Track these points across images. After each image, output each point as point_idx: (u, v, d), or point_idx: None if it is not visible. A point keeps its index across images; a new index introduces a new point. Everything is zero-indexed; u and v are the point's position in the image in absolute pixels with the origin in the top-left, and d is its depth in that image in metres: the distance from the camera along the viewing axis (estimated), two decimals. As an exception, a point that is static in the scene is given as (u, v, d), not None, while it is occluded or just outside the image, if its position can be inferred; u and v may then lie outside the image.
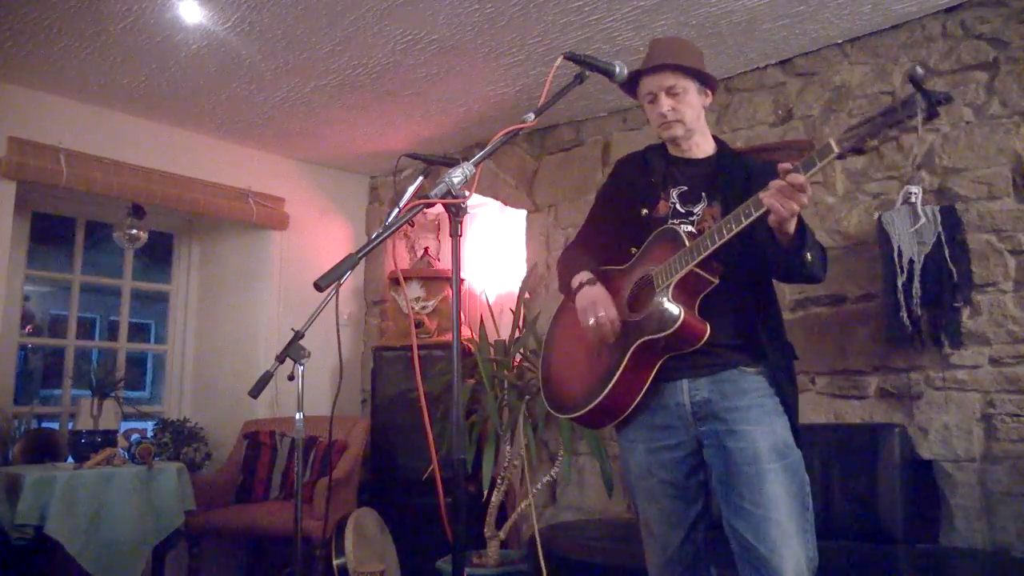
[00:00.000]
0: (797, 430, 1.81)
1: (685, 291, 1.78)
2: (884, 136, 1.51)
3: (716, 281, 1.78)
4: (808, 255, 1.69)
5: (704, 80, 1.95)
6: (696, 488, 1.87)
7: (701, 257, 1.73)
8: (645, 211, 1.95)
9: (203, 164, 4.44)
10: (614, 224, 2.04)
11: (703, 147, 2.00)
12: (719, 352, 1.80)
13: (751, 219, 1.65)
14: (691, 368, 1.81)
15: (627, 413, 1.86)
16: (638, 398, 1.83)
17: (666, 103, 1.91)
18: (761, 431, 1.74)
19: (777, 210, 1.59)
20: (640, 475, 1.90)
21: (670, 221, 1.90)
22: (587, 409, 1.86)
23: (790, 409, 1.81)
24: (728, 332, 1.80)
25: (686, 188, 1.94)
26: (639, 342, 1.79)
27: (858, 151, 1.55)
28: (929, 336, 2.91)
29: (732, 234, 1.68)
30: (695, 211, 1.91)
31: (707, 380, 1.81)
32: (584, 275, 1.97)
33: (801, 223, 1.68)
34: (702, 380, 1.81)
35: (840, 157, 1.57)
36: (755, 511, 1.69)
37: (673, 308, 1.75)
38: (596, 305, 1.87)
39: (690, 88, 1.92)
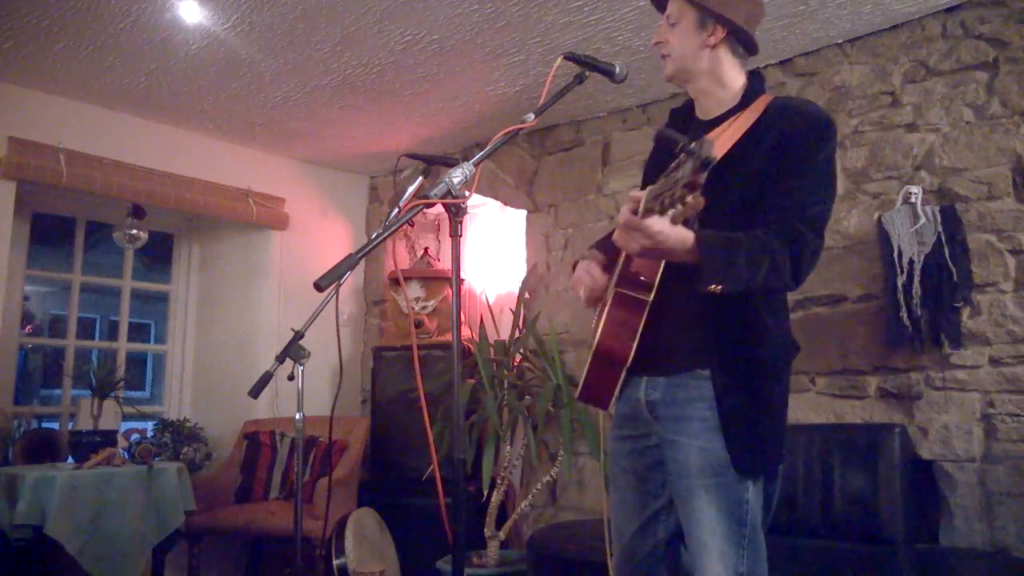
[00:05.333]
0: (750, 444, 1.60)
1: (624, 306, 1.67)
2: (667, 203, 1.27)
3: (648, 299, 1.64)
4: (714, 288, 1.45)
5: (707, 12, 1.67)
6: (658, 485, 1.77)
7: (622, 282, 1.65)
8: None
9: (203, 164, 4.44)
10: None
11: (724, 101, 1.72)
12: (677, 354, 1.69)
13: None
14: (650, 367, 1.73)
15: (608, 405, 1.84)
16: (614, 395, 1.79)
17: (658, 32, 1.74)
18: (696, 447, 1.63)
19: (627, 250, 1.45)
20: (609, 462, 1.87)
21: None
22: (578, 393, 1.88)
23: (745, 421, 1.60)
24: (688, 336, 1.67)
25: None
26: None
27: (666, 212, 1.30)
28: (929, 336, 2.91)
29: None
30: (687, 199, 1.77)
31: (664, 380, 1.71)
32: (589, 252, 1.92)
33: (703, 256, 1.43)
34: (659, 379, 1.72)
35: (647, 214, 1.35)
36: (686, 523, 1.66)
37: (596, 330, 1.70)
38: (574, 283, 1.86)
39: (687, 17, 1.69)
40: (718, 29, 1.68)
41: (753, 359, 1.63)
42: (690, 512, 1.64)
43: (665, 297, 1.64)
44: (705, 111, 1.77)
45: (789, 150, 1.59)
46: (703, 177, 1.21)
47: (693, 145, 1.20)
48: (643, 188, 1.89)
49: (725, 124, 1.68)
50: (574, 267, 1.91)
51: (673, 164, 1.26)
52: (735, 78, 1.73)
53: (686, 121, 1.82)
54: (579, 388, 1.82)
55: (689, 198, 1.24)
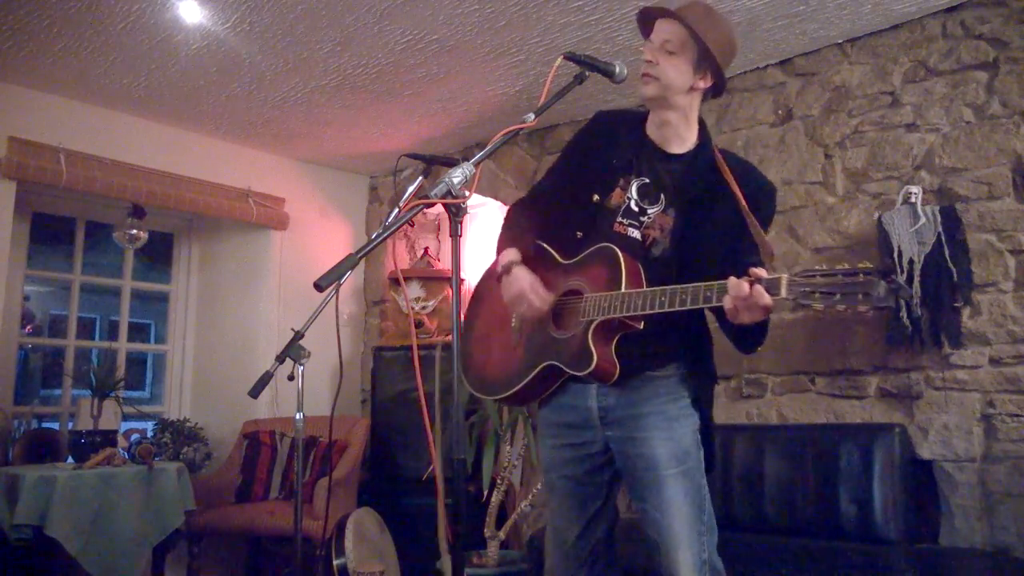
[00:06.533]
0: (709, 427, 1.81)
1: (608, 329, 1.73)
2: (830, 303, 1.39)
3: (640, 327, 1.72)
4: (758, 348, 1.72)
5: (706, 56, 1.74)
6: (597, 486, 1.87)
7: (634, 315, 1.66)
8: (597, 196, 1.83)
9: (203, 164, 4.44)
10: (568, 194, 1.90)
11: (686, 140, 1.83)
12: (630, 359, 1.75)
13: (708, 305, 1.55)
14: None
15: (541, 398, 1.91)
16: (547, 392, 1.88)
17: (652, 54, 1.77)
18: (660, 438, 1.74)
19: (736, 319, 1.51)
20: (545, 468, 1.93)
21: (618, 220, 1.81)
22: (503, 396, 1.91)
23: (703, 406, 1.80)
24: (642, 342, 1.75)
25: (648, 181, 1.82)
26: (548, 363, 1.78)
27: (802, 304, 1.43)
28: (929, 336, 2.90)
29: (681, 309, 1.59)
30: (649, 212, 1.80)
31: (614, 386, 1.78)
32: (512, 254, 1.85)
33: (766, 323, 1.58)
34: (610, 385, 1.78)
35: (785, 299, 1.47)
36: (654, 513, 1.73)
37: (590, 352, 1.70)
38: (523, 296, 1.78)
39: (687, 52, 1.74)
40: (708, 76, 1.77)
41: (704, 368, 1.84)
42: (660, 502, 1.72)
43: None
44: (663, 142, 1.84)
45: (757, 217, 1.74)
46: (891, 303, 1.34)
47: (901, 285, 1.35)
48: (566, 181, 1.93)
49: (728, 178, 1.75)
50: (507, 270, 1.83)
51: (846, 273, 1.37)
52: (695, 122, 1.85)
53: (638, 140, 1.85)
54: (509, 393, 1.88)
55: (861, 308, 1.37)
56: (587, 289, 1.76)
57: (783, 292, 1.44)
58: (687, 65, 1.76)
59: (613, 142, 1.88)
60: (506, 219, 2.00)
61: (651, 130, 1.86)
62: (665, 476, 1.72)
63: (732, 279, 1.49)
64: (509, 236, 1.94)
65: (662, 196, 1.81)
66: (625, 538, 2.56)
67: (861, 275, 1.35)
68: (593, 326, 1.71)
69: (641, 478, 1.75)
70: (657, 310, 1.61)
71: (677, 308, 1.58)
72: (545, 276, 1.86)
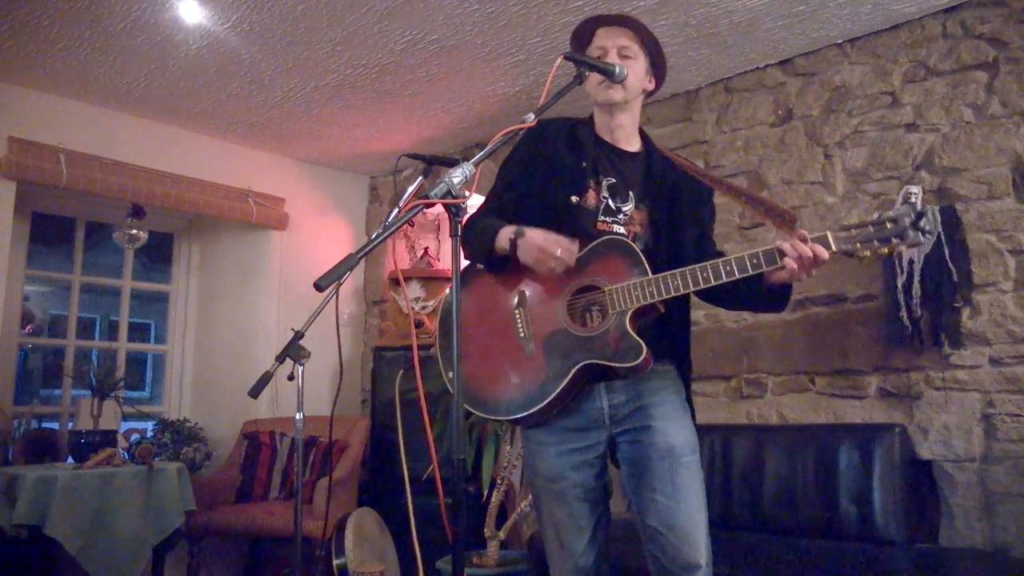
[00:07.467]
0: (695, 423, 1.89)
1: (637, 317, 1.72)
2: (873, 248, 1.57)
3: (663, 310, 1.75)
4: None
5: (655, 61, 1.89)
6: (601, 490, 1.88)
7: (676, 294, 1.68)
8: (576, 198, 1.83)
9: (203, 164, 4.44)
10: (538, 199, 1.89)
11: (632, 140, 1.93)
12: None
13: (758, 272, 1.64)
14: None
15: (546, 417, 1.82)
16: (563, 405, 1.80)
17: (615, 56, 1.83)
18: (676, 426, 1.80)
19: (795, 275, 1.64)
20: (551, 478, 1.85)
21: (600, 219, 1.83)
22: (519, 416, 1.78)
23: (691, 404, 1.89)
24: (646, 337, 1.74)
25: (615, 180, 1.86)
26: (587, 363, 1.72)
27: (848, 255, 1.61)
28: (929, 336, 2.90)
29: (728, 279, 1.64)
30: (624, 210, 1.85)
31: (622, 382, 1.80)
32: (511, 227, 1.78)
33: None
34: (618, 383, 1.80)
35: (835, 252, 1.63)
36: (666, 502, 1.73)
37: (637, 341, 1.68)
38: (546, 248, 1.70)
39: (640, 60, 1.86)
40: (653, 80, 1.93)
41: (688, 365, 1.91)
42: (674, 490, 1.73)
43: None
44: (617, 142, 1.92)
45: (708, 203, 1.95)
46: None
47: (926, 229, 1.55)
48: (532, 187, 1.93)
49: (684, 166, 1.92)
50: (519, 235, 1.75)
51: (874, 224, 1.56)
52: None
53: (594, 141, 1.90)
54: (542, 406, 1.74)
55: (899, 249, 1.57)
56: (607, 282, 1.75)
57: (833, 246, 1.60)
58: (642, 70, 1.88)
59: (575, 145, 1.89)
60: (470, 230, 1.90)
61: (603, 132, 1.93)
62: (682, 463, 1.75)
63: (783, 243, 1.62)
64: (488, 229, 1.84)
65: (630, 193, 1.87)
66: (624, 538, 2.57)
67: (887, 223, 1.55)
68: (629, 316, 1.71)
69: (655, 467, 1.75)
70: (703, 285, 1.67)
71: (724, 280, 1.65)
72: (545, 280, 1.82)
